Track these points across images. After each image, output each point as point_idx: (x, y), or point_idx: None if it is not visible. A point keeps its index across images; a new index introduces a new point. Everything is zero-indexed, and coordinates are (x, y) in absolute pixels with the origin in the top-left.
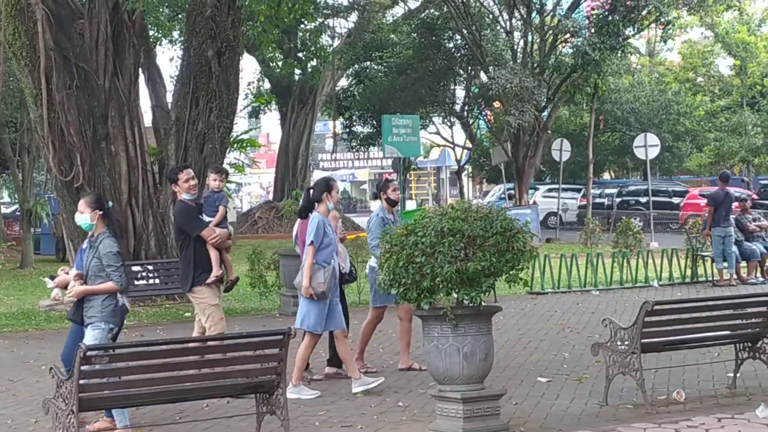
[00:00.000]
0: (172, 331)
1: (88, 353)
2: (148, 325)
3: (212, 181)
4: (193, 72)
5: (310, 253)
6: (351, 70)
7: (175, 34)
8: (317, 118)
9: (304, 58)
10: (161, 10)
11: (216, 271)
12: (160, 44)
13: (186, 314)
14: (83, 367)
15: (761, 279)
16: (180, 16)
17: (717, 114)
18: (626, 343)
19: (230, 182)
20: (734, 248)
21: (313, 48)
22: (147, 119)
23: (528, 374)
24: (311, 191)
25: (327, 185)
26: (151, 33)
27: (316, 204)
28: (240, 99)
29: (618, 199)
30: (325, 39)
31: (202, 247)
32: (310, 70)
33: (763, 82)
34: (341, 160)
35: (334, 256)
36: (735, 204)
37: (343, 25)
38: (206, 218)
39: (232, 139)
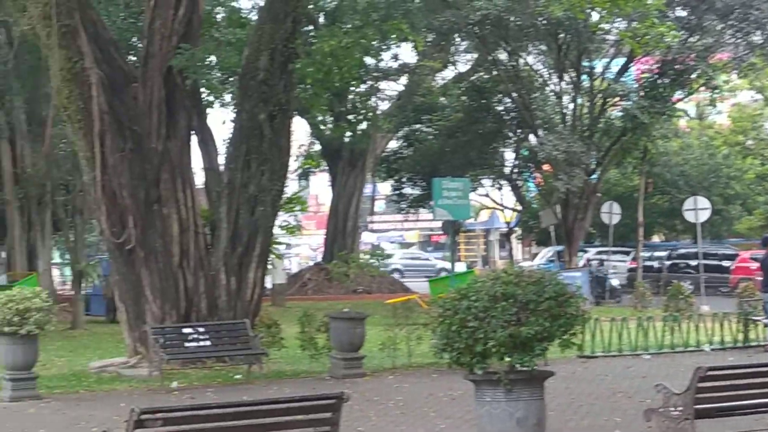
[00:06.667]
0: (223, 393)
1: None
2: (198, 387)
3: None
4: (246, 135)
5: None
6: (401, 132)
7: (228, 97)
8: (366, 180)
9: (353, 120)
10: (213, 73)
11: None
12: (212, 107)
13: (236, 376)
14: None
15: None
16: (232, 79)
17: (767, 177)
18: (679, 408)
19: (279, 243)
20: None
21: (362, 111)
22: (199, 181)
23: None
24: None
25: None
26: (203, 96)
27: None
28: (291, 161)
29: (668, 262)
30: (374, 102)
31: None
32: (359, 132)
33: None
34: (390, 222)
35: None
36: None
37: (393, 87)
38: None
39: (282, 201)
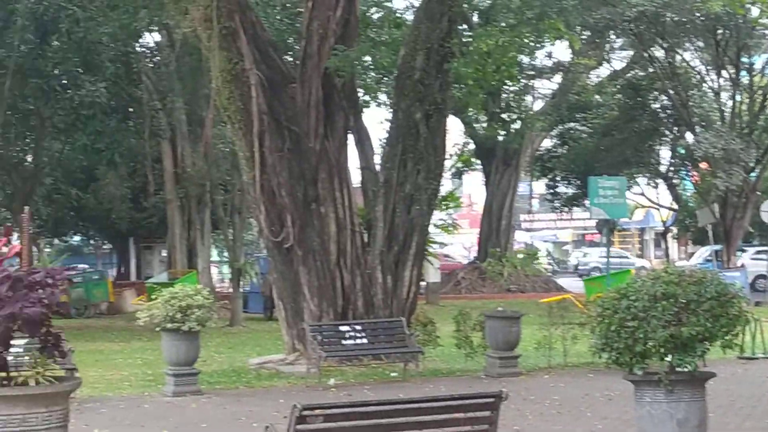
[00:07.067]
0: (379, 391)
1: None
2: (355, 384)
3: None
4: (402, 134)
5: None
6: (555, 131)
7: (383, 96)
8: (520, 178)
9: (507, 119)
10: (369, 73)
11: None
12: (368, 107)
13: (392, 374)
14: None
15: None
16: (386, 79)
17: None
18: None
19: (434, 243)
20: None
21: (516, 110)
22: (355, 180)
23: None
24: None
25: None
26: (359, 96)
27: None
28: (445, 160)
29: None
30: (528, 100)
31: None
32: (513, 131)
33: None
34: (543, 221)
35: None
36: None
37: (547, 86)
38: None
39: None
